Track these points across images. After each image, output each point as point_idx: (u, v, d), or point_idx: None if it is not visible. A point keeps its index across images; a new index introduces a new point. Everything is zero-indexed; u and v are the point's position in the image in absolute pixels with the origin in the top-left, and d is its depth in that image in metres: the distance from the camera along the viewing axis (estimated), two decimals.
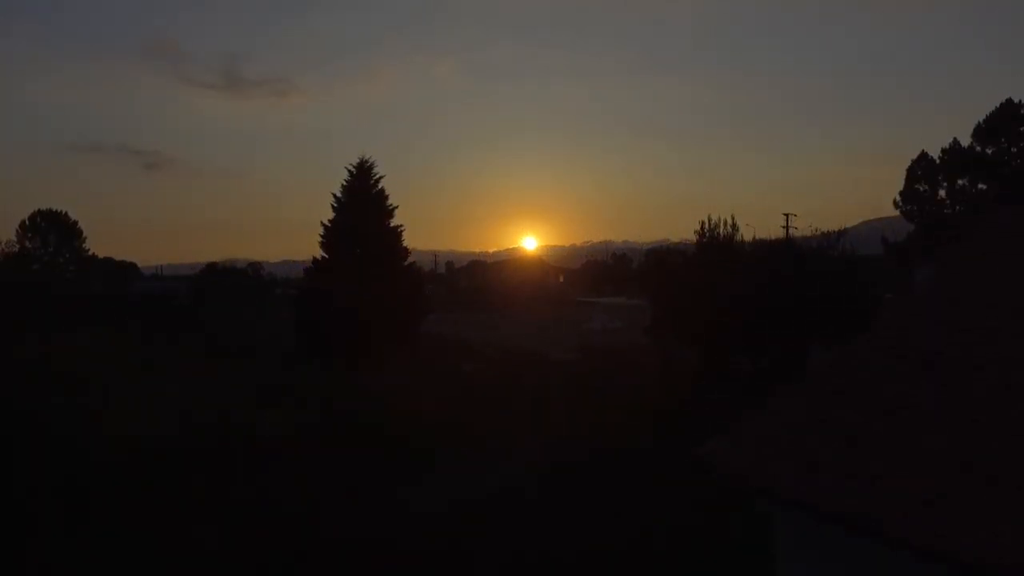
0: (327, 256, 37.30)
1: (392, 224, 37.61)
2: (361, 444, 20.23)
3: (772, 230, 50.47)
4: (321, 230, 37.63)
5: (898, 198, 47.78)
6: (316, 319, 34.34)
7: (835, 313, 27.92)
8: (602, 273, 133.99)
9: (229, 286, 56.64)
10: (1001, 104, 43.58)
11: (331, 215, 37.46)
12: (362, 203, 36.83)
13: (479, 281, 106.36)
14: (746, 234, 34.25)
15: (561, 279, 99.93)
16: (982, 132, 43.89)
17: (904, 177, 48.31)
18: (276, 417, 22.62)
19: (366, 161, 37.55)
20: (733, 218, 32.77)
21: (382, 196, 37.49)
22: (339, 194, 37.34)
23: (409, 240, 38.20)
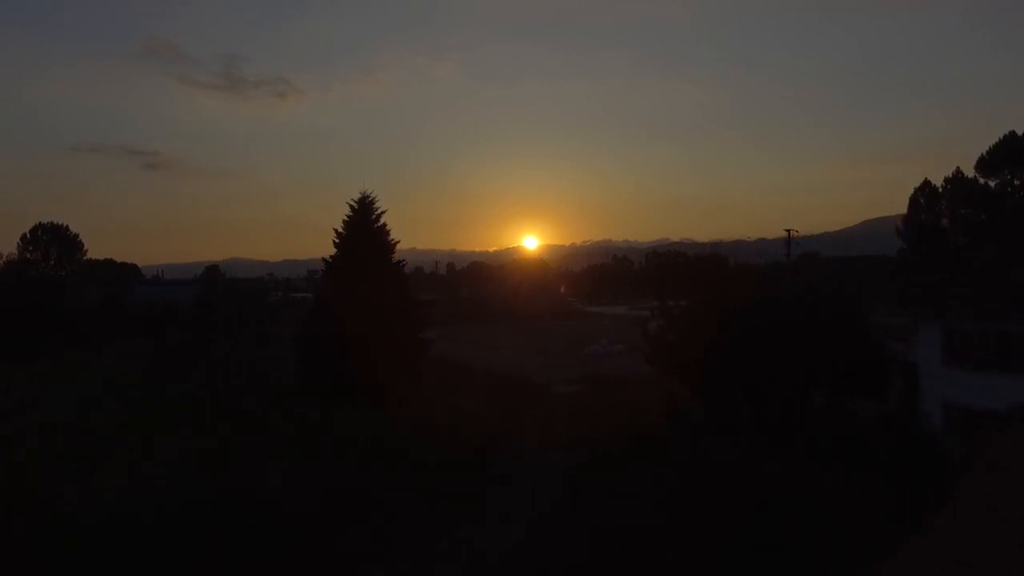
0: (329, 292, 37.26)
1: (395, 259, 37.63)
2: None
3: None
4: (322, 256, 37.86)
5: (900, 225, 47.78)
6: (320, 358, 34.32)
7: (837, 360, 27.88)
8: (603, 276, 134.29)
9: (232, 304, 56.76)
10: (1004, 136, 43.48)
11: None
12: (363, 239, 36.77)
13: (480, 291, 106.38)
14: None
15: (562, 290, 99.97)
16: (985, 164, 43.85)
17: (908, 202, 48.32)
18: (292, 469, 22.79)
19: (367, 196, 37.47)
20: (737, 259, 32.87)
21: (383, 231, 37.40)
22: (340, 229, 37.30)
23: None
